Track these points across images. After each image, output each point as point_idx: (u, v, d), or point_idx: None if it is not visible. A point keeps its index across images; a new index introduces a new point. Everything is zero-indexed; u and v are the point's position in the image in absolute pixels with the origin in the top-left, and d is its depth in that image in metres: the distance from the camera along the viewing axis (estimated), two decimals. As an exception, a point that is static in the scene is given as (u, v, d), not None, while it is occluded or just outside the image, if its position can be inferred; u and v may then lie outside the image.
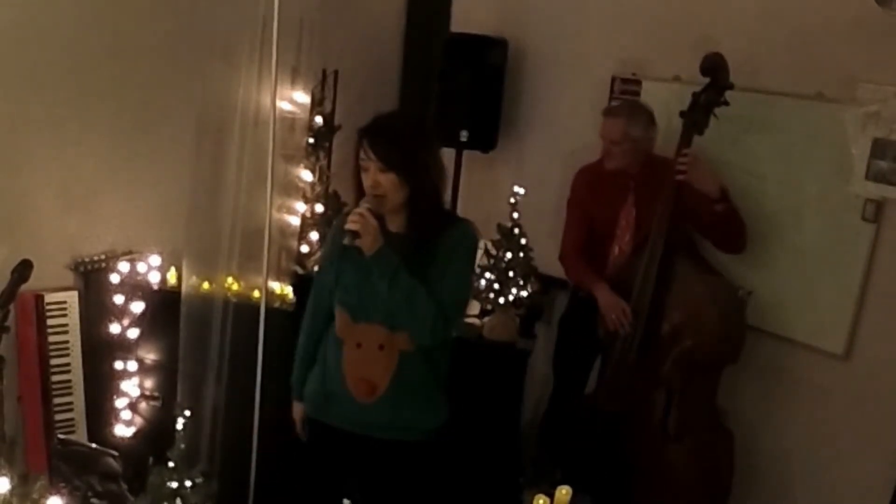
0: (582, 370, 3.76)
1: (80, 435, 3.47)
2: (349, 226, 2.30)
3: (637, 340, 3.32)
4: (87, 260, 3.53)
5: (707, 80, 3.17)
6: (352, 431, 2.52)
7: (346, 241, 2.31)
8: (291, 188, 3.80)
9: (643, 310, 3.30)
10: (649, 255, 3.28)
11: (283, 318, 3.27)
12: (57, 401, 3.44)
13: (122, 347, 3.50)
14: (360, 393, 2.47)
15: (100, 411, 3.53)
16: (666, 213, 3.23)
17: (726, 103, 3.17)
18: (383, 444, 2.51)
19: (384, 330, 2.43)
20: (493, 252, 3.42)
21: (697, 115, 3.19)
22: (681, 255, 3.30)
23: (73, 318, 3.46)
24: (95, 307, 3.53)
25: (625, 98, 3.89)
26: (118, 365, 3.50)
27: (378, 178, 2.34)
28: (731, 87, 3.15)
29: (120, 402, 3.52)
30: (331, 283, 2.52)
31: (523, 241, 3.46)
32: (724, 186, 3.23)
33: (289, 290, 3.51)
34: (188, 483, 2.52)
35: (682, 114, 3.24)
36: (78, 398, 3.50)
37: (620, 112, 3.49)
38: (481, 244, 3.49)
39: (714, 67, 3.14)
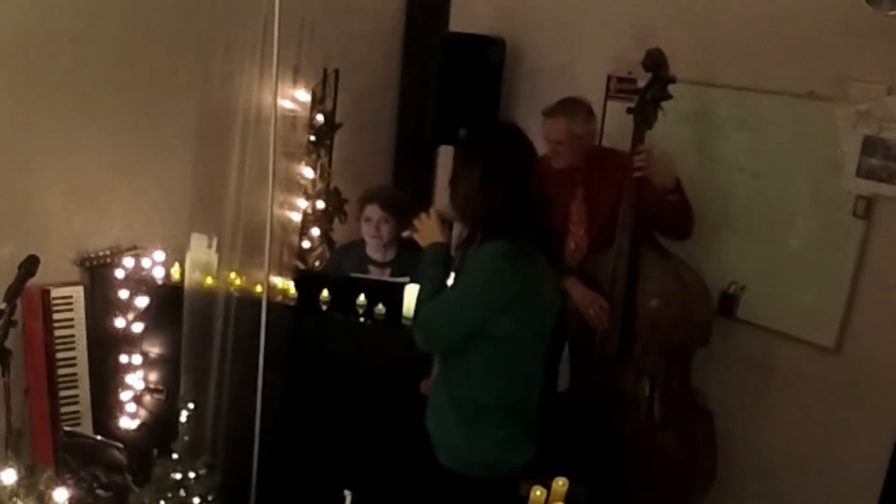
0: (551, 364, 3.76)
1: (86, 427, 3.51)
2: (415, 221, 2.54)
3: (617, 334, 3.36)
4: (92, 255, 3.57)
5: (649, 75, 3.24)
6: None
7: (405, 233, 2.49)
8: (293, 185, 3.82)
9: (618, 303, 3.34)
10: (617, 250, 3.32)
11: (285, 313, 3.30)
12: (63, 394, 3.48)
13: (127, 341, 3.51)
14: None
15: (105, 404, 3.56)
16: (629, 209, 3.28)
17: (670, 97, 3.23)
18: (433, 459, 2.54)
19: None
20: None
21: (646, 110, 3.26)
22: (645, 245, 3.36)
23: (79, 313, 3.50)
24: (101, 302, 3.55)
25: (620, 96, 3.93)
26: (123, 358, 3.51)
27: None
28: (673, 80, 3.21)
29: (125, 395, 3.53)
30: None
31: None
32: (678, 177, 3.28)
33: (290, 285, 3.53)
34: (192, 474, 2.49)
35: (629, 110, 3.30)
36: (83, 391, 3.53)
37: (560, 112, 3.47)
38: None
39: (656, 63, 3.21)
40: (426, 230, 2.52)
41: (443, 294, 2.40)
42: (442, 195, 4.40)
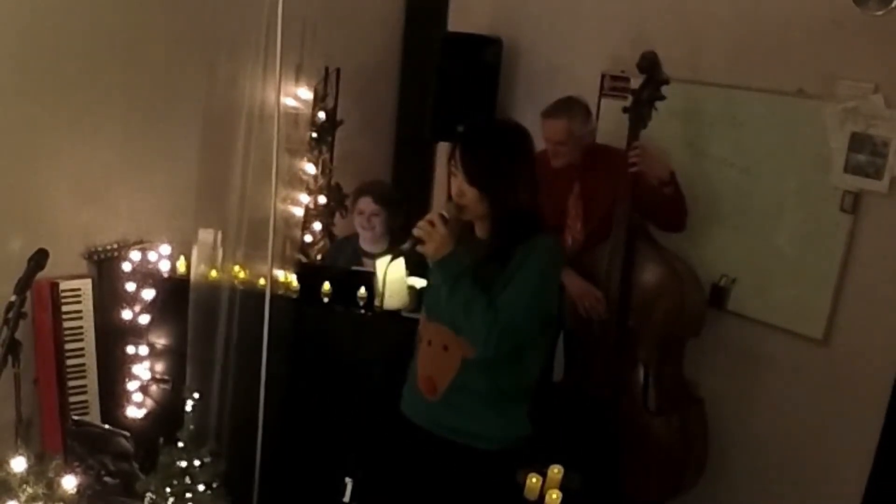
0: (547, 354, 3.82)
1: (94, 416, 3.53)
2: (414, 231, 2.32)
3: (614, 325, 3.41)
4: (100, 249, 3.60)
5: (644, 76, 3.29)
6: (420, 426, 2.56)
7: (405, 246, 2.34)
8: (295, 180, 3.86)
9: (615, 295, 3.39)
10: (614, 243, 3.37)
11: (288, 305, 3.33)
12: (71, 384, 3.51)
13: (134, 333, 3.54)
14: (425, 390, 2.51)
15: (112, 394, 3.58)
16: (626, 204, 3.32)
17: (664, 97, 3.28)
18: (455, 447, 2.50)
19: (449, 332, 2.43)
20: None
21: (642, 109, 3.31)
22: (639, 239, 3.41)
23: (87, 305, 3.52)
24: (108, 294, 3.58)
25: (614, 94, 3.99)
26: (130, 349, 3.54)
27: (463, 187, 2.35)
28: (667, 81, 3.26)
29: (132, 385, 3.56)
30: None
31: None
32: (672, 170, 3.34)
33: (293, 278, 3.56)
34: (197, 462, 2.51)
35: (625, 109, 3.35)
36: (91, 381, 3.56)
37: (560, 113, 3.51)
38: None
39: (650, 65, 3.26)
40: (437, 239, 2.31)
41: (508, 293, 2.31)
42: (440, 190, 4.48)
